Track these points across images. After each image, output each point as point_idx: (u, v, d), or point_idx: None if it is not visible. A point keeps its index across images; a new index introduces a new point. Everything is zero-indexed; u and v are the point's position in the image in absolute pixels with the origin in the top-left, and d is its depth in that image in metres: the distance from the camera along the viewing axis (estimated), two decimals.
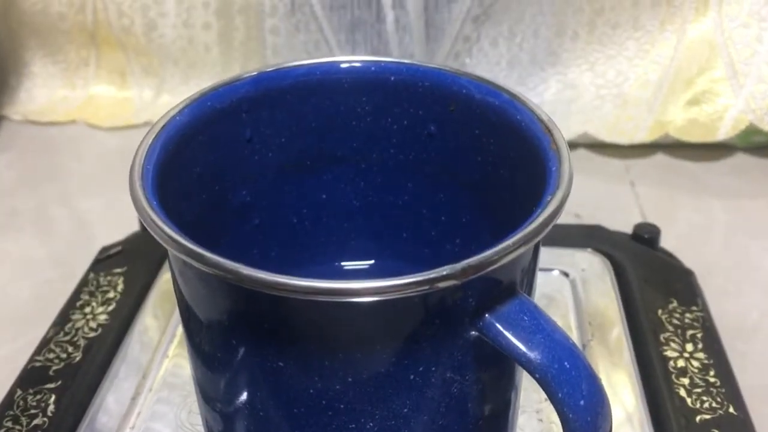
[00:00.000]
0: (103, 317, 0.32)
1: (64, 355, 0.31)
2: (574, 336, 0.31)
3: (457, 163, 0.25)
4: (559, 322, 0.19)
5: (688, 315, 0.32)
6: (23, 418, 0.28)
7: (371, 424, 0.20)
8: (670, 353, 0.30)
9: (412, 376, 0.19)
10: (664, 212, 0.45)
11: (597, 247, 0.35)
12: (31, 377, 0.30)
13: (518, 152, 0.22)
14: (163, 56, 0.55)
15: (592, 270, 0.34)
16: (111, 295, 0.34)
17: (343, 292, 0.17)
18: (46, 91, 0.57)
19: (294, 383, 0.19)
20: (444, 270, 0.17)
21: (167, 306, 0.33)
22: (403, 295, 0.17)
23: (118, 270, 0.35)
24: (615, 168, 0.51)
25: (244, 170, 0.25)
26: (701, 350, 0.30)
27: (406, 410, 0.20)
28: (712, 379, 0.29)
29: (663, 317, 0.32)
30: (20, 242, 0.44)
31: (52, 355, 0.31)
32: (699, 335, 0.31)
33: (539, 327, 0.18)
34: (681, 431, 0.27)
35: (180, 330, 0.31)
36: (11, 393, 0.29)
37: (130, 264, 0.35)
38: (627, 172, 0.50)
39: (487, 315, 0.19)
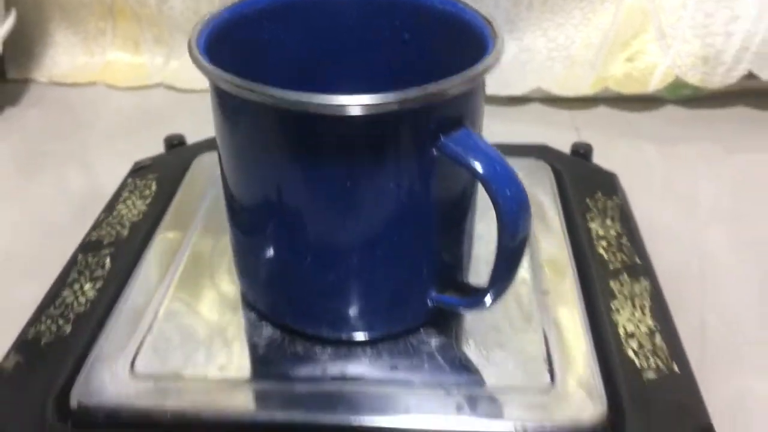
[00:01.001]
0: (142, 207, 0.40)
1: (113, 232, 0.38)
2: None
3: (424, 60, 0.33)
4: None
5: (609, 202, 0.40)
6: (86, 272, 0.36)
7: (363, 219, 0.28)
8: (593, 226, 0.39)
9: (391, 184, 0.27)
10: (603, 152, 0.53)
11: (540, 157, 0.44)
12: (90, 246, 0.37)
13: (468, 42, 0.30)
14: (172, 26, 0.63)
15: (536, 172, 0.42)
16: (147, 192, 0.41)
17: (337, 105, 0.24)
18: (67, 58, 0.66)
19: (311, 184, 0.27)
20: (412, 91, 0.25)
21: (194, 201, 0.40)
22: (379, 111, 0.25)
23: (151, 176, 0.43)
24: (563, 118, 0.59)
25: (263, 66, 0.33)
26: (618, 223, 0.39)
27: (386, 212, 0.28)
28: (624, 242, 0.37)
29: (590, 203, 0.40)
30: (55, 176, 0.52)
31: (103, 232, 0.38)
32: (617, 215, 0.39)
33: (480, 147, 0.27)
34: (600, 280, 0.35)
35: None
36: (74, 257, 0.37)
37: (159, 172, 0.43)
38: (573, 120, 0.59)
39: (442, 137, 0.27)
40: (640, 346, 0.31)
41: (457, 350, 0.31)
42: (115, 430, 0.28)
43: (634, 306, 0.33)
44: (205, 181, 0.42)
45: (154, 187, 0.42)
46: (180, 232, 0.38)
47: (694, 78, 0.57)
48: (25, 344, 0.32)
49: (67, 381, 0.30)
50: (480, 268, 0.33)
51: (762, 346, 0.37)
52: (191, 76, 0.63)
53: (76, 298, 0.34)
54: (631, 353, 0.31)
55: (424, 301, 0.31)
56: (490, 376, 0.30)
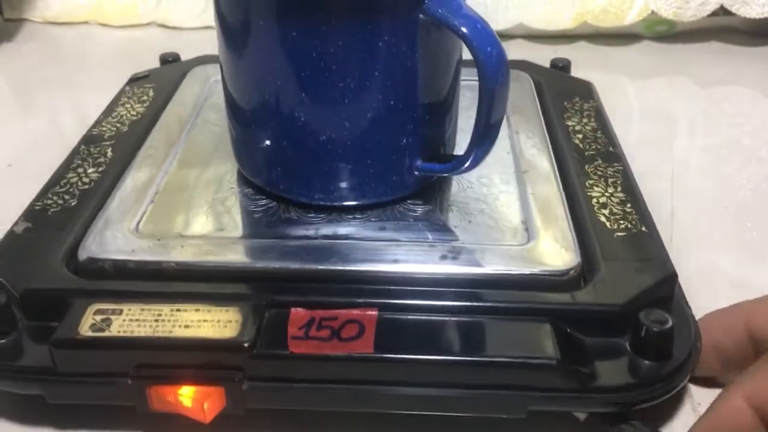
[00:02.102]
0: (141, 109, 0.42)
1: (113, 129, 0.40)
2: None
3: None
4: None
5: (585, 104, 0.43)
6: (89, 159, 0.37)
7: (353, 84, 0.30)
8: (570, 123, 0.41)
9: (379, 46, 0.29)
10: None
11: (522, 69, 0.46)
12: (92, 139, 0.39)
13: None
14: None
15: (517, 80, 0.44)
16: (144, 98, 0.43)
17: None
18: (60, 0, 0.67)
19: (302, 48, 0.29)
20: None
21: (189, 103, 0.42)
22: None
23: (148, 85, 0.45)
24: (545, 52, 0.61)
25: None
26: (593, 121, 0.41)
27: (376, 73, 0.30)
28: (599, 135, 0.40)
29: (567, 105, 0.43)
30: (51, 98, 0.55)
31: (105, 128, 0.40)
32: (593, 114, 0.42)
33: (462, 9, 0.29)
34: (576, 163, 0.37)
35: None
36: (77, 147, 0.39)
37: (156, 82, 0.45)
38: (554, 55, 0.61)
39: (426, 2, 0.29)
40: (612, 212, 0.34)
41: (441, 215, 0.33)
42: (120, 281, 0.30)
43: (607, 184, 0.36)
44: (200, 87, 0.44)
45: (151, 93, 0.44)
46: (177, 126, 0.40)
47: (668, 12, 0.60)
48: (32, 213, 0.33)
49: (75, 241, 0.32)
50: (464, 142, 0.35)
51: (724, 230, 0.39)
52: (183, 15, 0.65)
53: (80, 178, 0.36)
54: (603, 218, 0.33)
55: (410, 170, 0.33)
56: (472, 234, 0.32)
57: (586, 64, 0.54)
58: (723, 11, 0.60)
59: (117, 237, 0.31)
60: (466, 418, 0.28)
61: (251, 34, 0.30)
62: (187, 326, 0.28)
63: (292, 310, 0.29)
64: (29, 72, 0.59)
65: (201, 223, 0.33)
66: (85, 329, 0.28)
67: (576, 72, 0.48)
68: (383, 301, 0.29)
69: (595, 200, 0.34)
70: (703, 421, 0.26)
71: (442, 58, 0.31)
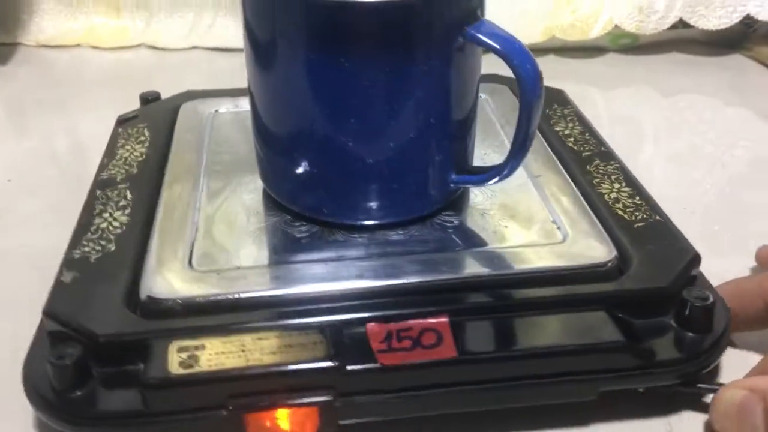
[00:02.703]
0: (142, 149, 0.42)
1: (123, 171, 0.40)
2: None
3: None
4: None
5: (565, 110, 0.46)
6: (111, 204, 0.37)
7: (395, 107, 0.32)
8: (558, 128, 0.44)
9: (422, 67, 0.31)
10: None
11: (498, 82, 0.49)
12: (105, 183, 0.39)
13: None
14: None
15: (498, 92, 0.47)
16: (142, 138, 0.43)
17: None
18: (53, 23, 0.69)
19: (346, 76, 0.31)
20: None
21: (195, 138, 0.43)
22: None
23: (141, 125, 0.45)
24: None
25: None
26: (578, 124, 0.44)
27: (417, 95, 0.32)
28: (588, 137, 0.43)
29: (549, 112, 0.46)
30: (49, 119, 0.56)
31: (113, 171, 0.40)
32: (575, 119, 0.45)
33: (499, 32, 0.31)
34: (578, 164, 0.40)
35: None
36: (92, 194, 0.38)
37: (148, 121, 0.45)
38: None
39: (466, 27, 0.31)
40: (625, 206, 0.37)
41: (477, 223, 0.35)
42: (191, 317, 0.30)
43: (611, 180, 0.39)
44: (197, 122, 0.44)
45: (147, 133, 0.44)
46: (190, 163, 0.40)
47: (630, 25, 0.64)
48: (74, 262, 0.33)
49: (130, 285, 0.32)
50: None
51: (692, 233, 0.42)
52: (172, 36, 0.68)
53: (110, 223, 0.36)
54: (620, 212, 0.36)
55: (446, 184, 0.35)
56: (513, 238, 0.34)
57: (556, 76, 0.56)
58: (682, 24, 0.64)
59: (175, 276, 0.32)
60: (536, 406, 0.31)
61: (291, 65, 0.32)
62: (273, 353, 0.29)
63: (368, 325, 0.30)
64: (23, 94, 0.60)
65: (253, 254, 0.33)
66: (175, 367, 0.28)
67: (547, 84, 0.51)
68: (450, 307, 0.31)
69: (606, 196, 0.37)
70: (757, 367, 0.29)
71: (470, 75, 0.34)
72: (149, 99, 0.48)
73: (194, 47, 0.68)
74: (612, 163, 0.40)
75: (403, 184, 0.34)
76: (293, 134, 0.33)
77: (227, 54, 0.67)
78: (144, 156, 0.41)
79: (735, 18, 0.64)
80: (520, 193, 0.37)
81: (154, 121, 0.45)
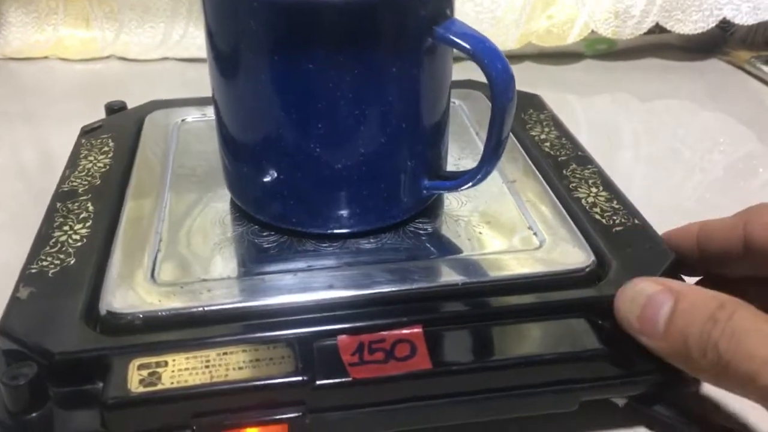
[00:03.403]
0: (106, 160, 0.41)
1: (86, 182, 0.38)
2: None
3: None
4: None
5: (541, 115, 0.45)
6: (72, 216, 0.36)
7: (366, 111, 0.31)
8: (534, 133, 0.43)
9: (391, 70, 0.30)
10: None
11: (472, 88, 0.48)
12: (66, 195, 0.37)
13: None
14: (122, 3, 0.67)
15: (472, 98, 0.47)
16: (105, 149, 0.42)
17: None
18: (20, 36, 0.68)
19: (314, 80, 0.30)
20: None
21: (159, 150, 0.41)
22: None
23: (104, 135, 0.43)
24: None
25: None
26: (554, 129, 0.44)
27: (387, 99, 0.31)
28: (564, 141, 0.42)
29: (525, 117, 0.45)
30: (16, 132, 0.55)
31: (76, 182, 0.39)
32: (551, 124, 0.44)
33: (469, 31, 0.30)
34: (554, 169, 0.39)
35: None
36: (52, 206, 0.37)
37: (112, 132, 0.44)
38: None
39: (435, 27, 0.30)
40: (603, 210, 0.36)
41: (451, 230, 0.34)
42: (153, 333, 0.29)
43: (588, 185, 0.38)
44: (163, 133, 0.43)
45: (111, 144, 0.42)
46: (155, 174, 0.39)
47: (607, 31, 0.64)
48: (31, 277, 0.32)
49: (89, 300, 0.30)
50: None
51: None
52: (141, 48, 0.67)
53: (69, 237, 0.34)
54: (597, 216, 0.35)
55: (418, 190, 0.34)
56: (488, 245, 0.33)
57: (532, 82, 0.57)
58: (659, 29, 0.65)
59: (137, 289, 0.30)
60: (517, 418, 0.30)
61: (254, 69, 0.31)
62: (240, 368, 0.27)
63: (339, 338, 0.29)
64: None
65: (219, 265, 0.32)
66: (135, 385, 0.27)
67: (523, 90, 0.50)
68: (424, 317, 0.30)
69: (584, 201, 0.37)
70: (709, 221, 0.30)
71: (441, 78, 0.33)
72: (115, 109, 0.47)
73: (165, 58, 0.67)
74: (589, 167, 0.40)
75: (373, 190, 0.33)
76: (259, 141, 0.32)
77: (198, 65, 0.66)
78: (107, 167, 0.40)
79: (711, 22, 0.64)
80: (495, 198, 0.37)
81: (119, 131, 0.44)
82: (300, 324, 0.29)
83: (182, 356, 0.28)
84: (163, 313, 0.29)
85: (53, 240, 0.34)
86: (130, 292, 0.30)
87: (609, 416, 0.31)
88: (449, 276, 0.31)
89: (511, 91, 0.30)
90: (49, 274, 0.32)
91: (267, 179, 0.33)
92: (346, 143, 0.31)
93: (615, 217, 0.35)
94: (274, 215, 0.34)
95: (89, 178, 0.39)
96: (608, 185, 0.38)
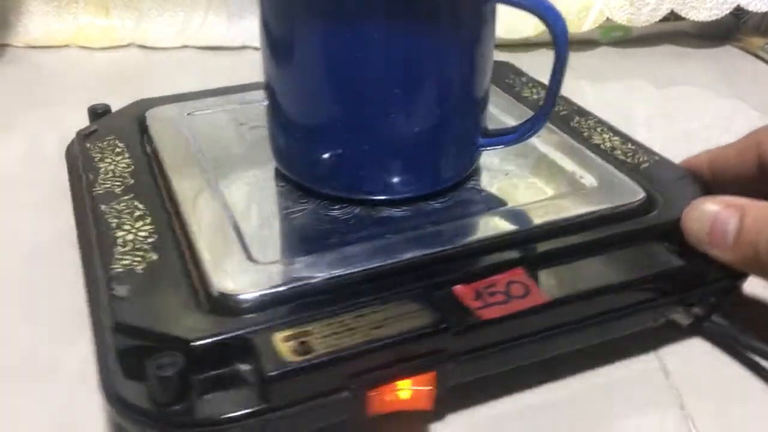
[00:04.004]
0: (127, 160, 0.39)
1: (119, 183, 0.37)
2: None
3: None
4: None
5: (523, 78, 0.49)
6: (125, 215, 0.35)
7: (434, 75, 0.32)
8: (526, 94, 0.46)
9: (459, 31, 0.32)
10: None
11: None
12: (106, 198, 0.36)
13: None
14: None
15: None
16: (118, 150, 0.41)
17: None
18: (41, 25, 0.68)
19: (388, 45, 0.31)
20: None
21: (180, 139, 0.41)
22: None
23: (109, 137, 0.42)
24: (510, 60, 0.61)
25: None
26: (541, 90, 0.47)
27: (455, 59, 0.32)
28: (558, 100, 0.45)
29: (509, 82, 0.48)
30: (36, 116, 0.56)
31: (108, 184, 0.37)
32: (536, 85, 0.48)
33: None
34: (562, 120, 0.42)
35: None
36: (96, 210, 0.36)
37: (115, 133, 0.42)
38: (518, 62, 0.61)
39: None
40: (624, 152, 0.40)
41: (508, 183, 0.37)
42: (279, 307, 0.29)
43: (598, 132, 0.42)
44: (176, 126, 0.42)
45: (120, 144, 0.41)
46: (190, 163, 0.38)
47: (622, 18, 0.65)
48: (120, 276, 0.31)
49: (195, 289, 0.30)
50: None
51: None
52: (161, 35, 0.68)
53: (136, 235, 0.33)
54: (622, 157, 0.39)
55: (475, 148, 0.36)
56: (547, 191, 0.36)
57: (548, 70, 0.58)
58: (674, 16, 0.66)
59: (244, 271, 0.30)
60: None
61: (321, 42, 0.32)
62: (379, 326, 0.28)
63: (455, 288, 0.30)
64: (12, 94, 0.60)
65: (309, 239, 0.33)
66: (290, 356, 0.27)
67: (538, 77, 0.50)
68: (524, 258, 0.32)
69: (602, 146, 0.40)
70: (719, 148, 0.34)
71: (490, 36, 0.34)
72: (99, 112, 0.45)
73: (185, 46, 0.68)
74: (591, 117, 0.43)
75: (441, 153, 0.34)
76: (332, 117, 0.33)
77: (218, 52, 0.68)
78: (131, 166, 0.39)
79: (725, 9, 0.65)
80: (528, 153, 0.39)
81: (122, 132, 0.42)
82: (418, 279, 0.30)
83: (320, 324, 0.28)
84: (284, 290, 0.29)
85: (120, 240, 0.33)
86: (239, 275, 0.30)
87: (666, 334, 0.34)
88: (534, 219, 0.33)
89: (567, 44, 0.32)
90: (138, 271, 0.31)
91: (337, 153, 0.34)
92: (419, 107, 0.33)
93: (637, 156, 0.39)
94: (347, 187, 0.34)
95: (120, 179, 0.38)
96: (616, 131, 0.42)
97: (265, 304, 0.29)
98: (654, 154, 0.39)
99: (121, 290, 0.30)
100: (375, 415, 0.28)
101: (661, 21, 0.67)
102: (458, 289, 0.30)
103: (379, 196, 0.35)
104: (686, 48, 0.69)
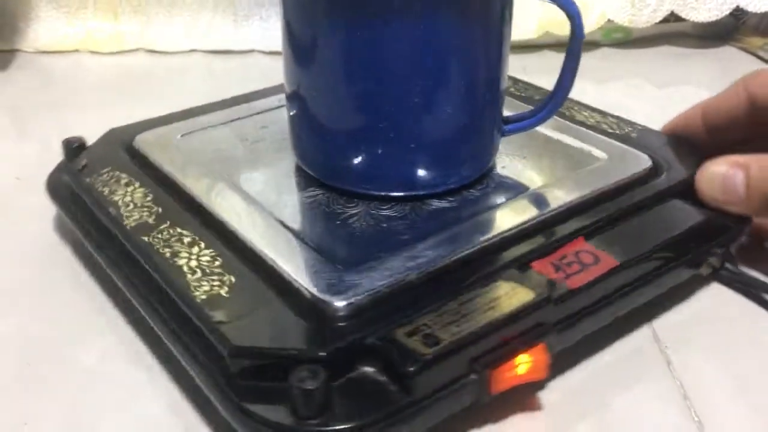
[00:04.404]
0: (140, 191, 0.38)
1: (149, 213, 0.36)
2: None
3: None
4: None
5: None
6: (175, 243, 0.34)
7: (466, 64, 0.34)
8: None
9: (482, 19, 0.34)
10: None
11: None
12: (142, 229, 0.35)
13: None
14: None
15: None
16: (125, 181, 0.39)
17: None
18: (51, 31, 0.69)
19: (414, 39, 0.32)
20: None
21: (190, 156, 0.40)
22: None
23: (104, 170, 0.40)
24: (512, 61, 0.63)
25: None
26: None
27: (481, 46, 0.34)
28: (522, 85, 0.48)
29: None
30: (47, 120, 0.57)
31: (137, 215, 0.36)
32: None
33: None
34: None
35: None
36: (138, 242, 0.34)
37: (110, 165, 0.40)
38: (521, 63, 0.65)
39: None
40: (609, 125, 0.43)
41: (529, 166, 0.39)
42: (386, 305, 0.29)
43: (578, 111, 0.45)
44: (174, 148, 0.41)
45: (123, 175, 0.39)
46: (211, 180, 0.38)
47: (623, 19, 0.66)
48: (211, 303, 0.30)
49: (298, 302, 0.30)
50: None
51: None
52: (168, 40, 0.69)
53: (199, 260, 0.32)
54: (610, 129, 0.43)
55: (499, 134, 0.38)
56: (568, 168, 0.39)
57: (551, 71, 0.54)
58: (674, 17, 0.67)
59: (336, 277, 0.30)
60: None
61: (348, 39, 0.32)
62: (491, 308, 0.30)
63: (532, 264, 0.32)
64: (22, 99, 0.61)
65: (377, 239, 0.33)
66: (422, 349, 0.28)
67: (540, 79, 0.50)
68: (582, 228, 0.34)
69: (588, 122, 0.44)
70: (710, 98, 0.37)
71: (510, 25, 0.36)
72: (73, 145, 0.43)
73: (192, 50, 0.69)
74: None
75: (477, 140, 0.36)
76: (374, 118, 0.34)
77: (225, 56, 0.69)
78: (148, 195, 0.37)
79: (725, 10, 0.66)
80: (531, 138, 0.41)
81: (115, 163, 0.40)
82: (497, 261, 0.32)
83: (432, 316, 0.29)
84: (384, 288, 0.30)
85: (185, 268, 0.32)
86: (333, 282, 0.30)
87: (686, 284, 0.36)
88: (573, 193, 0.36)
89: (583, 28, 0.35)
90: (224, 295, 0.30)
91: (382, 151, 0.35)
92: (455, 101, 0.34)
93: (622, 127, 0.43)
94: (394, 185, 0.35)
95: (145, 209, 0.36)
96: (591, 108, 0.45)
97: (370, 305, 0.29)
98: (635, 124, 0.43)
99: (216, 315, 0.29)
100: (497, 393, 0.29)
101: (661, 22, 0.67)
102: (537, 264, 0.32)
103: (426, 191, 0.36)
104: (686, 48, 0.70)
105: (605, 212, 0.35)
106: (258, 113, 0.45)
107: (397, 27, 0.32)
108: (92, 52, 0.69)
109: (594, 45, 0.69)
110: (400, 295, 0.30)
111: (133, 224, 0.35)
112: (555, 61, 0.63)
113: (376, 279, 0.30)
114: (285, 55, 0.36)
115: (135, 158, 0.41)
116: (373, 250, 0.32)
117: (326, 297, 0.29)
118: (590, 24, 0.66)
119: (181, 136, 0.42)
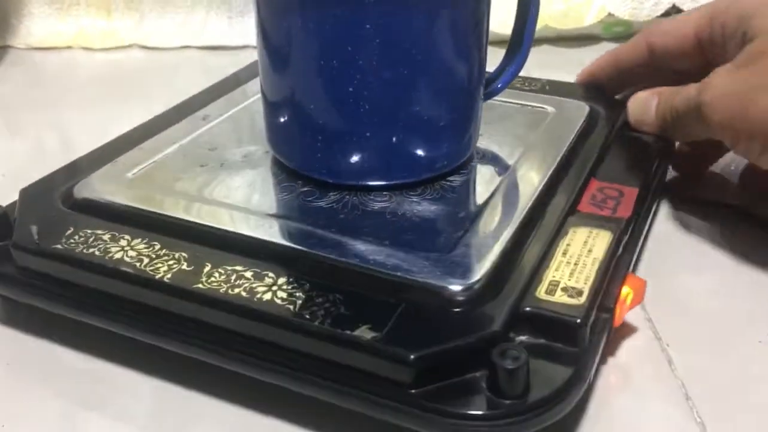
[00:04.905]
0: (134, 243, 0.32)
1: (170, 263, 0.31)
2: None
3: None
4: None
5: None
6: (228, 276, 0.30)
7: (446, 37, 0.33)
8: None
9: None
10: None
11: None
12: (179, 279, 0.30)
13: None
14: None
15: None
16: (105, 237, 0.33)
17: None
18: (43, 27, 0.68)
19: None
20: None
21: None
22: None
23: (69, 232, 0.33)
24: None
25: None
26: None
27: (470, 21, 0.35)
28: None
29: None
30: (40, 119, 0.55)
31: (158, 264, 0.31)
32: None
33: None
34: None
35: None
36: (184, 290, 0.30)
37: (73, 227, 0.34)
38: None
39: None
40: (523, 83, 0.46)
41: (505, 134, 0.41)
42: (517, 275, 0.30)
43: None
44: (129, 189, 0.36)
45: (98, 231, 0.33)
46: (203, 207, 0.35)
47: (624, 13, 0.64)
48: (339, 324, 0.28)
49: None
50: None
51: None
52: (162, 36, 0.68)
53: (273, 293, 0.29)
54: (527, 87, 0.46)
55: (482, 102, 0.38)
56: (538, 126, 0.41)
57: (550, 65, 0.54)
58: (675, 10, 0.65)
59: (447, 261, 0.30)
60: None
61: (319, 27, 0.32)
62: (590, 251, 0.31)
63: (578, 207, 0.35)
64: (14, 95, 0.60)
65: (441, 222, 0.33)
66: (578, 301, 0.28)
67: (540, 73, 0.49)
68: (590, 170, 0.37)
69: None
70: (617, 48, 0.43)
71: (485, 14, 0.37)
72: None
73: (186, 46, 0.68)
74: None
75: (461, 121, 0.36)
76: (339, 102, 0.33)
77: (218, 52, 0.67)
78: (146, 243, 0.32)
79: None
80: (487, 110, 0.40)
81: (76, 221, 0.34)
82: (556, 212, 0.34)
83: (549, 272, 0.30)
84: (498, 257, 0.30)
85: (277, 301, 0.29)
86: (448, 267, 0.30)
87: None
88: (558, 149, 0.38)
89: None
90: (343, 312, 0.28)
91: (367, 137, 0.34)
92: (421, 83, 0.34)
93: (532, 83, 0.46)
94: (342, 171, 0.35)
95: (153, 256, 0.31)
96: None
97: (494, 278, 0.29)
98: (538, 79, 0.46)
99: (367, 332, 0.27)
100: (617, 327, 0.31)
101: (662, 15, 0.66)
102: (582, 207, 0.34)
103: (417, 177, 0.36)
104: None
105: (590, 153, 0.38)
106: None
107: (371, 13, 0.31)
108: (85, 49, 0.68)
109: (594, 39, 0.68)
110: (510, 261, 0.30)
111: (170, 277, 0.30)
112: (554, 56, 0.65)
113: (482, 253, 0.30)
114: (259, 46, 0.34)
115: (95, 210, 0.34)
116: (450, 231, 0.32)
117: (455, 282, 0.29)
118: (590, 18, 0.64)
119: (132, 174, 0.37)
